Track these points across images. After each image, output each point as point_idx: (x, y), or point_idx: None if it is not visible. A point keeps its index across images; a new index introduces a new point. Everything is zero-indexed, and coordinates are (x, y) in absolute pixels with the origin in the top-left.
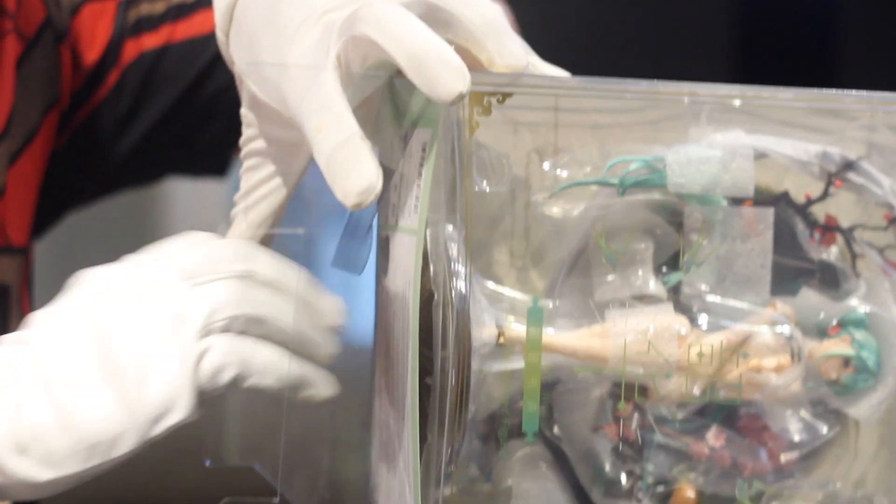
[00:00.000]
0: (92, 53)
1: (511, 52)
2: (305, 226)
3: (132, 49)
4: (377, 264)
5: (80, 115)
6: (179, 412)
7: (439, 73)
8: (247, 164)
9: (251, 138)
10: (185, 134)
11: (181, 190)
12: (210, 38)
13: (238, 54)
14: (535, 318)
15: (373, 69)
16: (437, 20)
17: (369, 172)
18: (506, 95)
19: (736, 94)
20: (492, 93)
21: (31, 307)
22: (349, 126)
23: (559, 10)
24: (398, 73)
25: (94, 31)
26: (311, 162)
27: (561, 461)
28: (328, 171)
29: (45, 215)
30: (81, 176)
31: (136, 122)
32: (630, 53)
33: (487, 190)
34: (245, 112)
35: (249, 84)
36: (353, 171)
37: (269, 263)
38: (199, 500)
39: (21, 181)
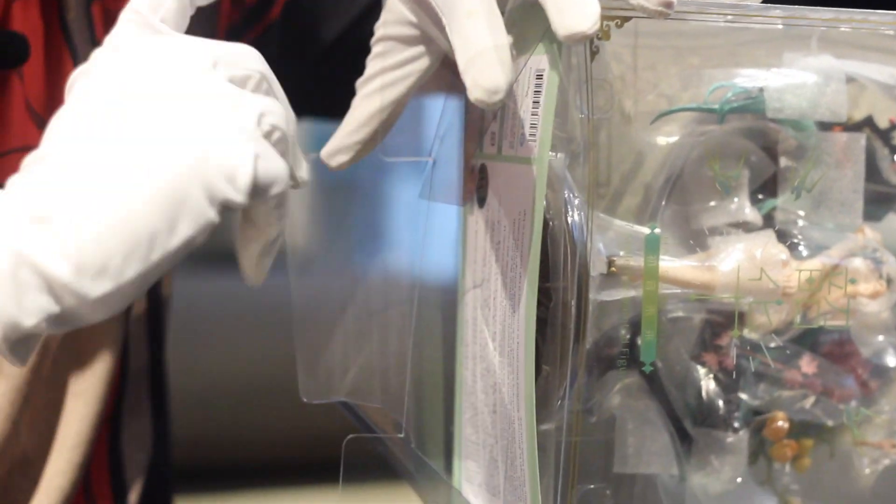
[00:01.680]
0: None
1: None
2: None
3: None
4: (461, 196)
5: None
6: (244, 179)
7: (578, 8)
8: (379, 48)
9: (388, 23)
10: (341, 73)
11: None
12: None
13: None
14: (653, 245)
15: None
16: None
17: (508, 74)
18: (624, 19)
19: (828, 18)
20: (612, 17)
21: None
22: (498, 21)
23: None
24: None
25: None
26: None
27: (659, 391)
28: (469, 60)
29: None
30: None
31: (293, 58)
32: None
33: (595, 116)
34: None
35: None
36: (495, 65)
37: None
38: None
39: None
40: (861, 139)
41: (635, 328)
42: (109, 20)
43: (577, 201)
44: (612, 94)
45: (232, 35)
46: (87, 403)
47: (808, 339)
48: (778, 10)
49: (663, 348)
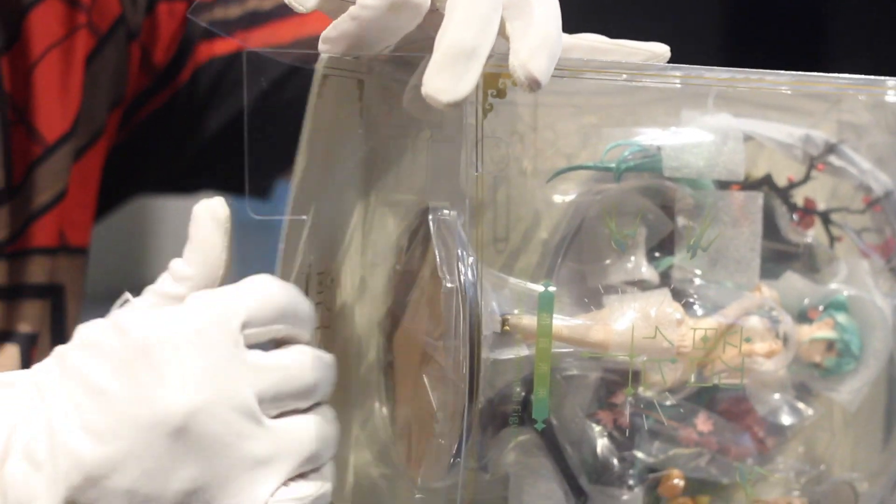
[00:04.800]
0: (162, 53)
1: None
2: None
3: (203, 52)
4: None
5: (142, 114)
6: None
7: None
8: None
9: None
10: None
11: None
12: (283, 49)
13: None
14: (546, 303)
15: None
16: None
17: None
18: None
19: (725, 77)
20: (507, 75)
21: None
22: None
23: None
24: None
25: (166, 32)
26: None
27: (554, 448)
28: (440, 56)
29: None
30: (136, 176)
31: (199, 126)
32: (621, 32)
33: (489, 174)
34: None
35: None
36: (466, 76)
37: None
38: None
39: (83, 179)
40: (758, 198)
41: (529, 386)
42: (21, 65)
43: (470, 259)
44: (507, 150)
45: (141, 99)
46: None
47: (705, 397)
48: (675, 70)
49: (559, 406)
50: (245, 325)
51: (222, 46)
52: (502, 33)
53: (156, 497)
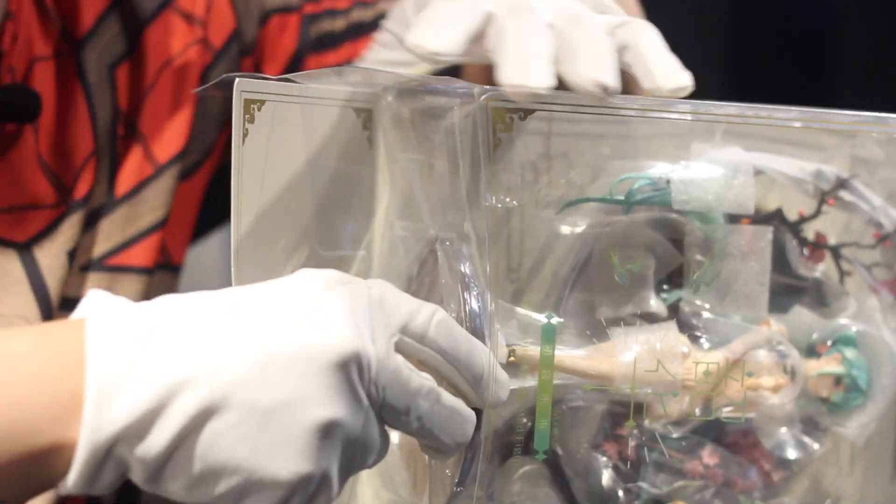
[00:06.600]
0: (274, 67)
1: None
2: None
3: (314, 65)
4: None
5: None
6: None
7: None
8: None
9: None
10: None
11: None
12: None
13: None
14: (549, 335)
15: None
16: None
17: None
18: (528, 112)
19: (735, 113)
20: (515, 110)
21: None
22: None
23: None
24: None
25: (277, 44)
26: None
27: (560, 478)
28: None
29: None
30: None
31: None
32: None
33: (499, 205)
34: None
35: None
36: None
37: None
38: None
39: (188, 199)
40: (768, 232)
41: (534, 416)
42: (137, 82)
43: (475, 291)
44: (518, 182)
45: None
46: None
47: (712, 430)
48: (685, 105)
49: (564, 436)
50: (403, 330)
51: (333, 59)
52: None
53: None
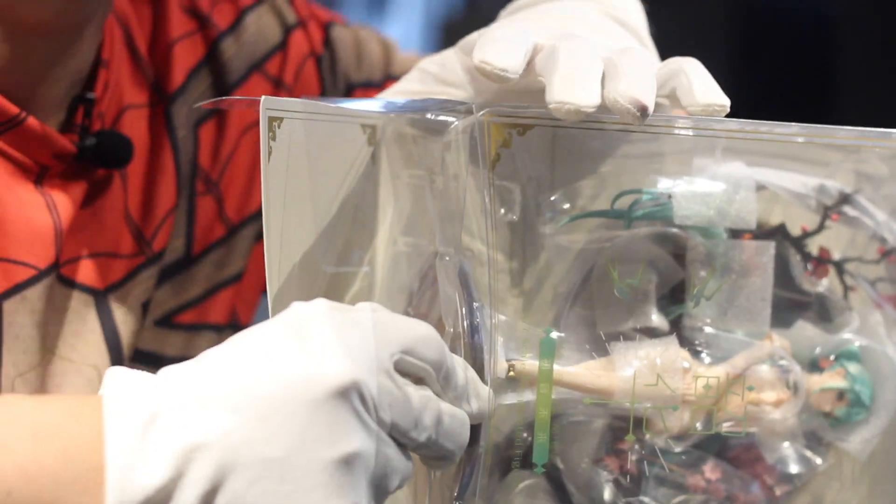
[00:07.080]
0: None
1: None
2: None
3: None
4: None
5: None
6: None
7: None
8: None
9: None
10: None
11: None
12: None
13: None
14: (548, 349)
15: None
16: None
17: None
18: (526, 128)
19: (735, 129)
20: (513, 125)
21: None
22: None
23: None
24: None
25: None
26: None
27: (560, 493)
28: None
29: None
30: None
31: None
32: None
33: (498, 219)
34: None
35: None
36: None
37: None
38: None
39: (261, 259)
40: (770, 247)
41: (533, 430)
42: (219, 141)
43: (476, 304)
44: (517, 198)
45: None
46: None
47: (714, 444)
48: (687, 121)
49: (565, 451)
50: (404, 351)
51: None
52: None
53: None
